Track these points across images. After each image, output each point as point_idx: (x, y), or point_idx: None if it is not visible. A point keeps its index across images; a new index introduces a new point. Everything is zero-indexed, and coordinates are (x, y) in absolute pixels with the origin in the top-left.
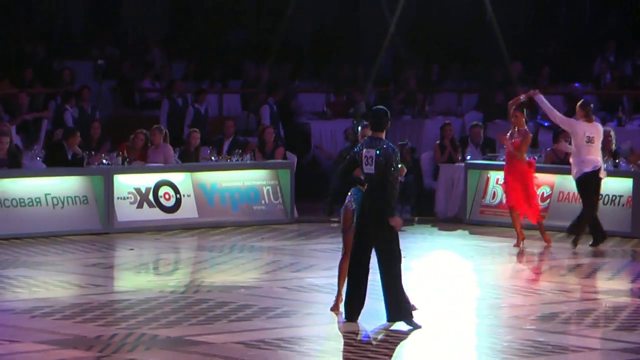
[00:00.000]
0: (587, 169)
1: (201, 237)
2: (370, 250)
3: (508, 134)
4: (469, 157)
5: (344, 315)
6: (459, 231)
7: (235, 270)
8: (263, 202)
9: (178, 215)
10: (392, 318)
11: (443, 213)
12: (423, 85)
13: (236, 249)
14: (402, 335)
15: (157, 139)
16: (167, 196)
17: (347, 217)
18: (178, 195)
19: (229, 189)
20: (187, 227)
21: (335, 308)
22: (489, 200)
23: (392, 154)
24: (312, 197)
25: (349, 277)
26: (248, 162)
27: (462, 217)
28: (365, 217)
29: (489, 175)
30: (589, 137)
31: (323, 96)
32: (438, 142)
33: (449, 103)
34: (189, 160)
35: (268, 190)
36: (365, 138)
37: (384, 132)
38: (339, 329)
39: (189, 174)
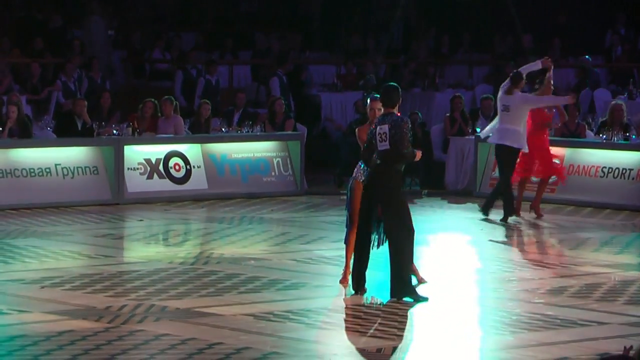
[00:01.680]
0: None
1: (211, 209)
2: (377, 224)
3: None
4: (479, 130)
5: (351, 287)
6: (469, 204)
7: (244, 242)
8: (273, 173)
9: (188, 186)
10: (393, 294)
11: (453, 186)
12: (434, 56)
13: (245, 220)
14: (409, 308)
15: (168, 110)
16: (177, 167)
17: (357, 189)
18: (188, 166)
19: (239, 161)
20: (197, 199)
21: (343, 280)
22: (498, 172)
23: (402, 123)
24: (321, 169)
25: (356, 249)
26: (258, 133)
27: (472, 190)
28: (376, 191)
29: None
30: (504, 106)
31: (333, 68)
32: (448, 114)
33: (460, 75)
34: (199, 131)
35: (278, 161)
36: (378, 116)
37: (396, 108)
38: (346, 301)
39: (199, 145)
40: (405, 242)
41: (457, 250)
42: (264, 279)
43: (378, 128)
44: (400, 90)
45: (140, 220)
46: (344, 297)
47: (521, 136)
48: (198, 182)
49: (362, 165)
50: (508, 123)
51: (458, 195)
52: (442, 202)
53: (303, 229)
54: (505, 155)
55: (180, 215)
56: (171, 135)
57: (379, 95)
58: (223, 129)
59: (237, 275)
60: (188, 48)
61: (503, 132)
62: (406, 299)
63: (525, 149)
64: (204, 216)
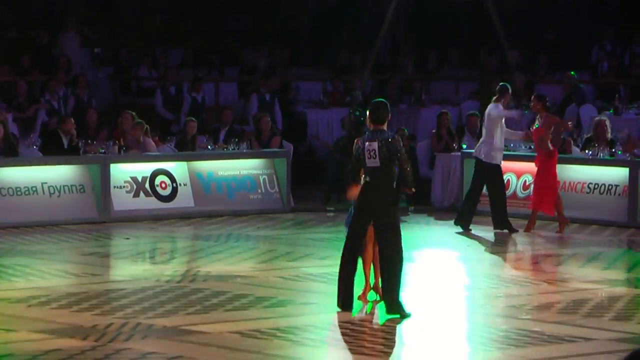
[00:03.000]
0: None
1: (197, 226)
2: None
3: (534, 126)
4: (465, 147)
5: (338, 304)
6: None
7: (231, 259)
8: (259, 191)
9: (174, 204)
10: (388, 311)
11: (439, 202)
12: (420, 72)
13: (232, 238)
14: (397, 324)
15: (137, 135)
16: (163, 185)
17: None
18: (174, 184)
19: (225, 178)
20: (184, 216)
21: (362, 297)
22: (485, 189)
23: (394, 141)
24: (308, 186)
25: (342, 264)
26: (244, 150)
27: (459, 206)
28: (369, 208)
29: None
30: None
31: (320, 84)
32: (434, 130)
33: (446, 91)
34: (185, 148)
35: (264, 179)
36: (367, 132)
37: (385, 124)
38: (335, 317)
39: (185, 162)
40: (397, 259)
41: (444, 267)
42: (250, 296)
43: (367, 144)
44: (388, 106)
45: (127, 238)
46: (331, 314)
47: (492, 149)
48: (184, 200)
49: None
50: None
51: (444, 211)
52: (429, 219)
53: (289, 246)
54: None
55: (167, 233)
56: (157, 154)
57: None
58: (209, 147)
59: (223, 293)
60: (175, 65)
61: (480, 145)
62: (393, 315)
63: (496, 161)
64: (191, 234)
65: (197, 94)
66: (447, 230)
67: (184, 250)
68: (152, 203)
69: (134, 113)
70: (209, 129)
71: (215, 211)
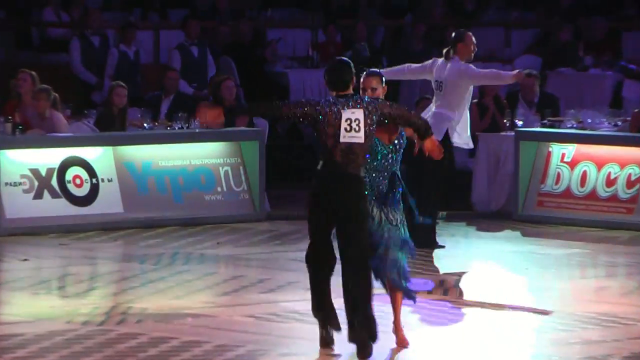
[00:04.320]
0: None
1: (128, 242)
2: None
3: None
4: (520, 123)
5: (321, 344)
6: (507, 231)
7: (177, 290)
8: (219, 189)
9: (94, 208)
10: (353, 337)
11: (483, 205)
12: (454, 15)
13: (179, 258)
14: None
15: (42, 106)
16: (78, 181)
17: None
18: (94, 180)
19: (169, 171)
20: (108, 227)
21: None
22: (550, 185)
23: (381, 105)
24: (290, 183)
25: (314, 285)
26: (197, 130)
27: (512, 211)
28: (333, 204)
29: (550, 149)
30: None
31: (307, 33)
32: (475, 101)
33: (492, 43)
34: (110, 127)
35: (226, 171)
36: (331, 98)
37: (349, 91)
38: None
39: (110, 148)
40: (369, 270)
41: (492, 299)
42: (206, 344)
43: (345, 112)
44: (353, 66)
45: (25, 259)
46: None
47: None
48: (109, 202)
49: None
50: (441, 106)
51: (491, 218)
52: (469, 229)
53: (264, 271)
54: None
55: (84, 251)
56: (71, 135)
57: (376, 70)
58: (145, 125)
59: (166, 340)
60: (97, 5)
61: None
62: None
63: (467, 145)
64: (119, 253)
65: (127, 47)
66: (495, 246)
67: (109, 278)
68: (61, 208)
69: (34, 74)
70: (146, 98)
71: (154, 219)
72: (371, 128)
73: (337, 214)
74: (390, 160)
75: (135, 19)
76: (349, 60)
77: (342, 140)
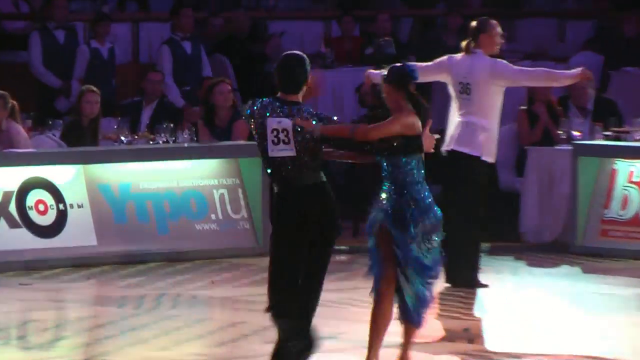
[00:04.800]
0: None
1: (103, 281)
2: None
3: None
4: (579, 134)
5: None
6: (564, 267)
7: (163, 340)
8: (213, 216)
9: (61, 240)
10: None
11: (535, 235)
12: (495, 5)
13: (166, 301)
14: None
15: None
16: (41, 207)
17: (381, 237)
18: (61, 206)
19: (153, 195)
20: (79, 263)
21: None
22: (616, 211)
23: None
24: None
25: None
26: (186, 145)
27: (569, 242)
28: (295, 233)
29: (615, 167)
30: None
31: (319, 26)
32: (524, 107)
33: (542, 36)
34: (80, 141)
35: (222, 195)
36: (263, 100)
37: (301, 94)
38: None
39: (79, 167)
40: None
41: (549, 349)
42: None
43: (270, 121)
44: (307, 63)
45: None
46: None
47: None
48: (79, 233)
49: (387, 194)
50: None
51: (544, 251)
52: (517, 264)
53: (268, 317)
54: (462, 169)
55: (49, 293)
56: (32, 151)
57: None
58: (123, 138)
59: None
60: None
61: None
62: None
63: (491, 158)
64: (92, 294)
65: (100, 43)
66: (550, 284)
67: (80, 325)
68: (21, 239)
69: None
70: (123, 105)
71: (134, 254)
72: (305, 139)
73: (308, 237)
74: (397, 166)
75: (109, 10)
76: (305, 57)
77: (270, 154)
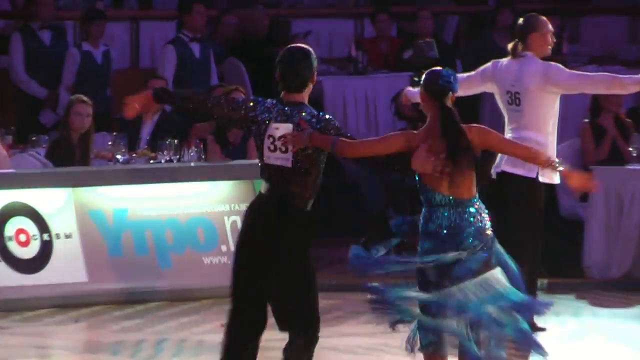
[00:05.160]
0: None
1: (95, 324)
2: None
3: None
4: None
5: None
6: (636, 308)
7: None
8: (224, 248)
9: (46, 276)
10: None
11: (601, 270)
12: (556, 1)
13: (168, 347)
14: None
15: None
16: (22, 237)
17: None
18: (46, 236)
19: (153, 223)
20: (67, 303)
21: None
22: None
23: (327, 123)
24: (327, 239)
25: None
26: (193, 164)
27: None
28: (266, 247)
29: None
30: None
31: (350, 25)
32: (587, 120)
33: (611, 36)
34: (68, 161)
35: (234, 223)
36: (267, 102)
37: (306, 93)
38: None
39: (68, 190)
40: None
41: None
42: None
43: (271, 126)
44: (313, 58)
45: None
46: None
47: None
48: (68, 268)
49: (428, 220)
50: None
51: (612, 289)
52: (579, 305)
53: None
54: (514, 194)
55: (32, 338)
56: (12, 172)
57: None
58: (119, 157)
59: None
60: None
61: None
62: None
63: (549, 179)
64: (81, 340)
65: (93, 45)
66: (622, 328)
67: None
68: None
69: None
70: (119, 118)
71: (131, 292)
72: (308, 152)
73: (274, 266)
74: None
75: (104, 7)
76: (311, 51)
77: (265, 160)
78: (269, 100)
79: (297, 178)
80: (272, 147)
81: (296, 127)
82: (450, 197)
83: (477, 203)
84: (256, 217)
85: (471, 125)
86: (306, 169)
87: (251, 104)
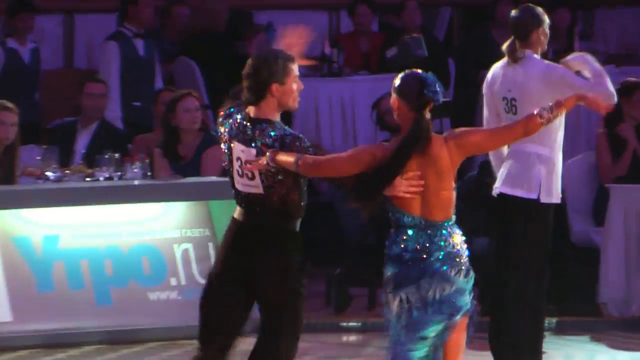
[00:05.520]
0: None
1: None
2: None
3: None
4: None
5: None
6: None
7: None
8: (173, 281)
9: None
10: None
11: (619, 307)
12: None
13: None
14: None
15: None
16: None
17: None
18: None
19: (89, 251)
20: None
21: None
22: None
23: (293, 143)
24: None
25: None
26: (137, 182)
27: None
28: (246, 276)
29: None
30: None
31: (324, 18)
32: (601, 130)
33: (632, 32)
34: None
35: (186, 251)
36: (233, 117)
37: (272, 105)
38: None
39: None
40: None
41: None
42: None
43: (236, 147)
44: (285, 61)
45: None
46: None
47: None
48: None
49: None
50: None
51: (631, 329)
52: (595, 348)
53: None
54: (512, 220)
55: None
56: None
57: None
58: (49, 173)
59: None
60: None
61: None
62: None
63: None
64: None
65: (20, 42)
66: None
67: None
68: None
69: None
70: (51, 128)
71: (65, 334)
72: (279, 178)
73: (251, 291)
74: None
75: None
76: (281, 52)
77: (236, 185)
78: (239, 114)
79: (275, 204)
80: (240, 172)
81: (259, 152)
82: (421, 219)
83: (452, 227)
84: (231, 246)
85: (445, 134)
86: (283, 194)
87: (220, 118)
